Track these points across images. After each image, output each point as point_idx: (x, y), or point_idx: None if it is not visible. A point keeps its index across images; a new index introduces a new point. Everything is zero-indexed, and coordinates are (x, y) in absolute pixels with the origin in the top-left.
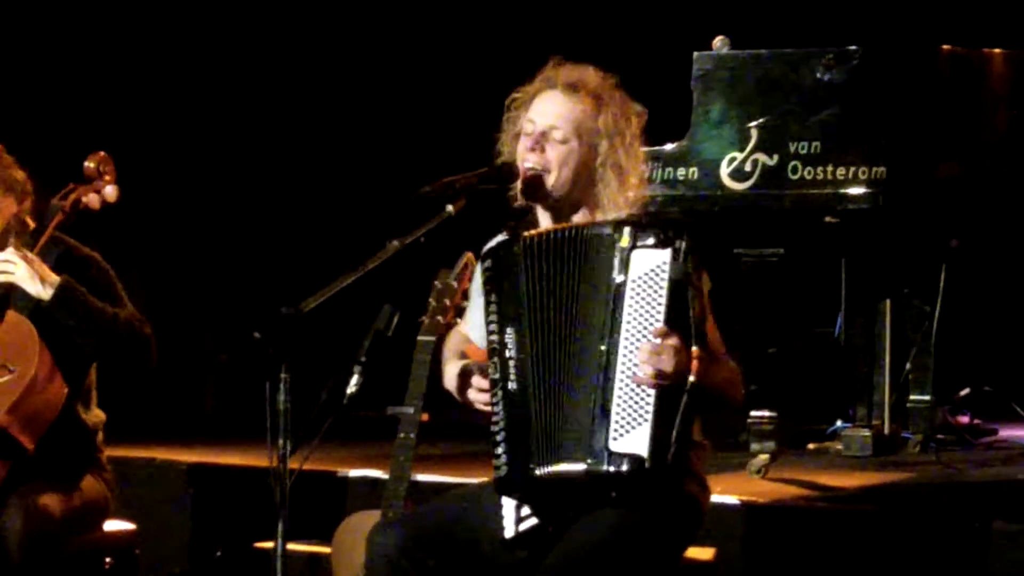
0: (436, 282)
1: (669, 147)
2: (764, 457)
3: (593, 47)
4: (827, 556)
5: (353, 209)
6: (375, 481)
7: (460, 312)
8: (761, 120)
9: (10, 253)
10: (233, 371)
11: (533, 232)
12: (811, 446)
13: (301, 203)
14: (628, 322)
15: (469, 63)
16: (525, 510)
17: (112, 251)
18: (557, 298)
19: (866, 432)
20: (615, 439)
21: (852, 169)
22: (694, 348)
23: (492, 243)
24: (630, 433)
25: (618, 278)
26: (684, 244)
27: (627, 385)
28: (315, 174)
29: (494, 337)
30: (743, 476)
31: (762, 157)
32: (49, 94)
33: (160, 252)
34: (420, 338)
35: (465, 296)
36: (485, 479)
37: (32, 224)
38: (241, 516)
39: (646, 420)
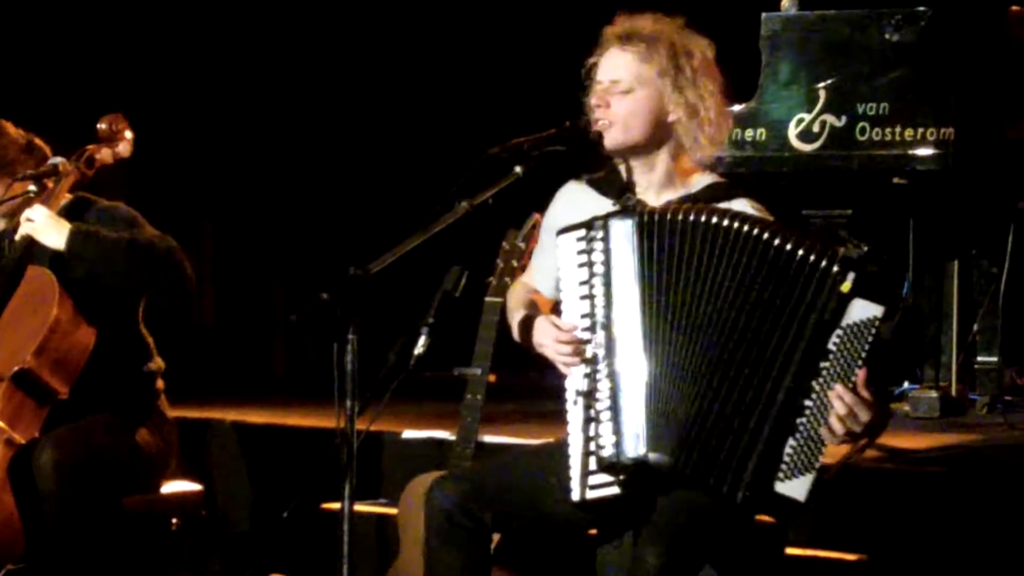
0: (504, 243)
1: (737, 108)
2: None
3: (663, 7)
4: (894, 517)
5: (422, 170)
6: (442, 442)
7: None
8: (829, 81)
9: (33, 208)
10: (301, 332)
11: (659, 207)
12: None
13: (370, 164)
14: (827, 370)
15: (541, 22)
16: (598, 478)
17: (183, 214)
18: (698, 291)
19: (933, 393)
20: (781, 480)
21: (920, 130)
22: (882, 410)
23: (561, 201)
24: (797, 479)
25: (827, 320)
26: (897, 302)
27: (811, 433)
28: (384, 135)
29: (599, 311)
30: None
31: (830, 118)
32: (110, 56)
33: (230, 214)
34: (488, 299)
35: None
36: (549, 440)
37: (51, 185)
38: (308, 477)
39: (813, 470)
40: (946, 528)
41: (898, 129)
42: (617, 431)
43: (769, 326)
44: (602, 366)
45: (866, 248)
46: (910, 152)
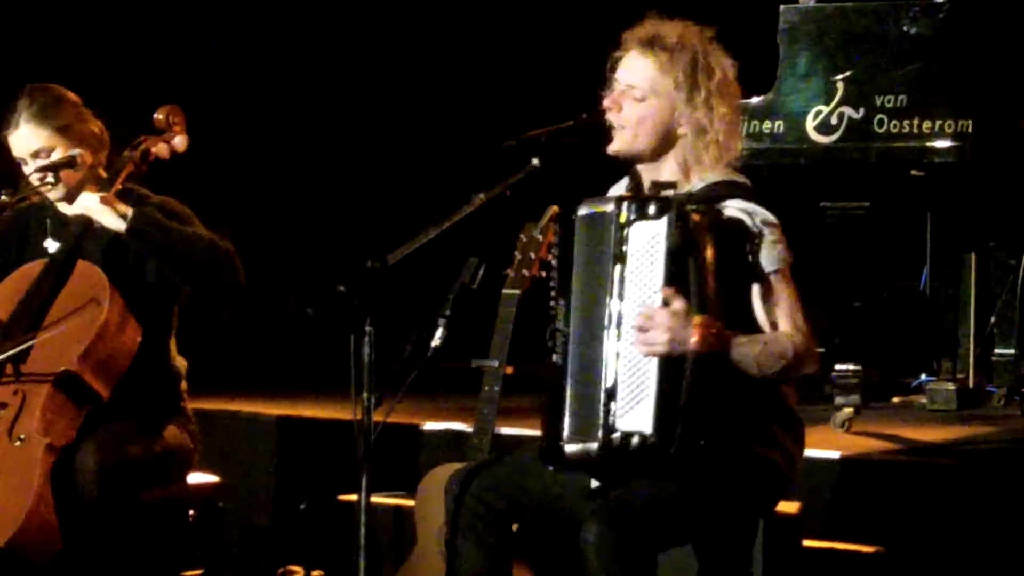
0: (521, 235)
1: (755, 100)
2: (848, 411)
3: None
4: (911, 510)
5: (439, 162)
6: (459, 434)
7: (545, 265)
8: (847, 73)
9: (87, 194)
10: (318, 324)
11: (585, 202)
12: (896, 399)
13: (387, 156)
14: (629, 297)
15: (557, 14)
16: None
17: (198, 205)
18: (586, 275)
19: (950, 385)
20: (620, 416)
21: (938, 122)
22: (696, 316)
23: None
24: (634, 409)
25: (618, 254)
26: (677, 212)
27: (630, 362)
28: (400, 126)
29: (552, 304)
30: (827, 429)
31: (848, 110)
32: (131, 46)
33: (246, 206)
34: (505, 291)
35: (550, 249)
36: None
37: (105, 175)
38: (325, 469)
39: (648, 395)
40: (963, 520)
41: (916, 121)
42: (547, 424)
43: (601, 283)
44: (549, 360)
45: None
46: (928, 144)
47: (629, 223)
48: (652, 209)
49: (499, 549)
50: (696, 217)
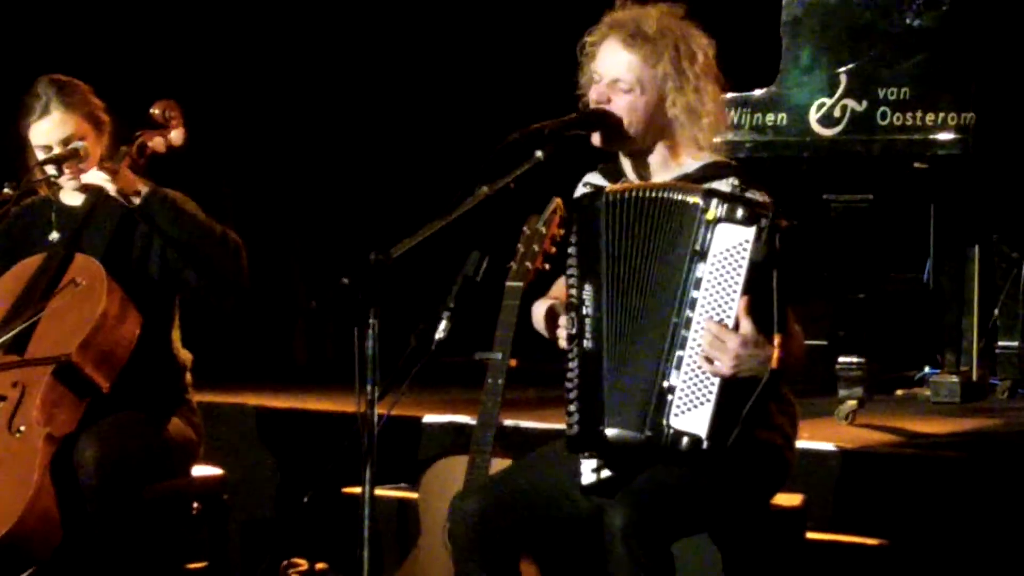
0: (525, 228)
1: (758, 93)
2: (852, 403)
3: None
4: (915, 502)
5: (443, 155)
6: (463, 427)
7: (549, 258)
8: (850, 66)
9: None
10: (322, 318)
11: (617, 187)
12: (899, 392)
13: (391, 149)
14: (704, 298)
15: (561, 7)
16: (592, 462)
17: (200, 200)
18: (635, 260)
19: (954, 378)
20: (676, 415)
21: (941, 115)
22: (776, 336)
23: (578, 192)
24: (691, 412)
25: (698, 251)
26: (769, 222)
27: (695, 363)
28: (404, 120)
29: (573, 291)
30: (831, 422)
31: (851, 103)
32: (128, 39)
33: (249, 199)
34: (508, 284)
35: (554, 242)
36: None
37: (73, 169)
38: (329, 462)
39: (709, 401)
40: (967, 513)
41: (919, 114)
42: (579, 410)
43: (668, 273)
44: (574, 346)
45: (737, 183)
46: (931, 137)
47: (717, 221)
48: (741, 213)
49: (508, 567)
50: (783, 223)
